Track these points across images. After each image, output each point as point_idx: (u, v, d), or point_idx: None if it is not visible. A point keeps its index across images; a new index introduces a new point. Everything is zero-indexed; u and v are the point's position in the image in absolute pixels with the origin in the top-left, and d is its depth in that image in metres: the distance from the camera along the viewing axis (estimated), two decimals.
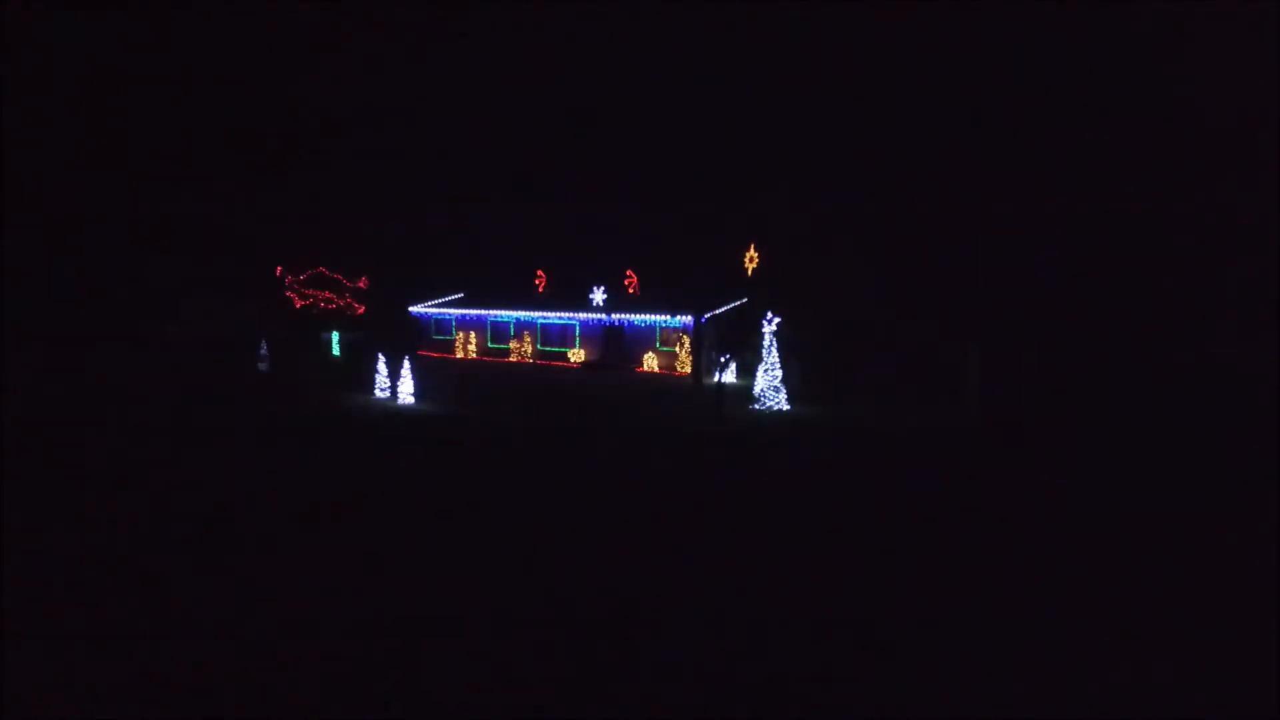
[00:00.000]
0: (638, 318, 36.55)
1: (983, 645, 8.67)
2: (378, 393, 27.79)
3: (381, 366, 28.17)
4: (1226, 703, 7.58)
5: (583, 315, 37.94)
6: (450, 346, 41.97)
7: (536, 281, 42.01)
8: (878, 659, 8.34)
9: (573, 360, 38.15)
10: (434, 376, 32.15)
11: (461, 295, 44.56)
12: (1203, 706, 7.49)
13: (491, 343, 41.22)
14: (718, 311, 35.39)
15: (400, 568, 10.82)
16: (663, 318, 35.83)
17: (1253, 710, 7.51)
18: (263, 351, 36.75)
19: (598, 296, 37.71)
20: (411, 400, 26.55)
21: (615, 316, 36.85)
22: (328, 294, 45.61)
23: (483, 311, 41.50)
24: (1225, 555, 11.89)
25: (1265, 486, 15.79)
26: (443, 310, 42.92)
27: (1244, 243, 36.35)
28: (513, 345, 39.91)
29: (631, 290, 39.21)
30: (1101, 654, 8.50)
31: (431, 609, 9.45)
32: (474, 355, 41.16)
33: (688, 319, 34.57)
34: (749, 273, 33.64)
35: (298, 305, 45.90)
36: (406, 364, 27.24)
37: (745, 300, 36.23)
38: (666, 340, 36.25)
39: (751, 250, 34.52)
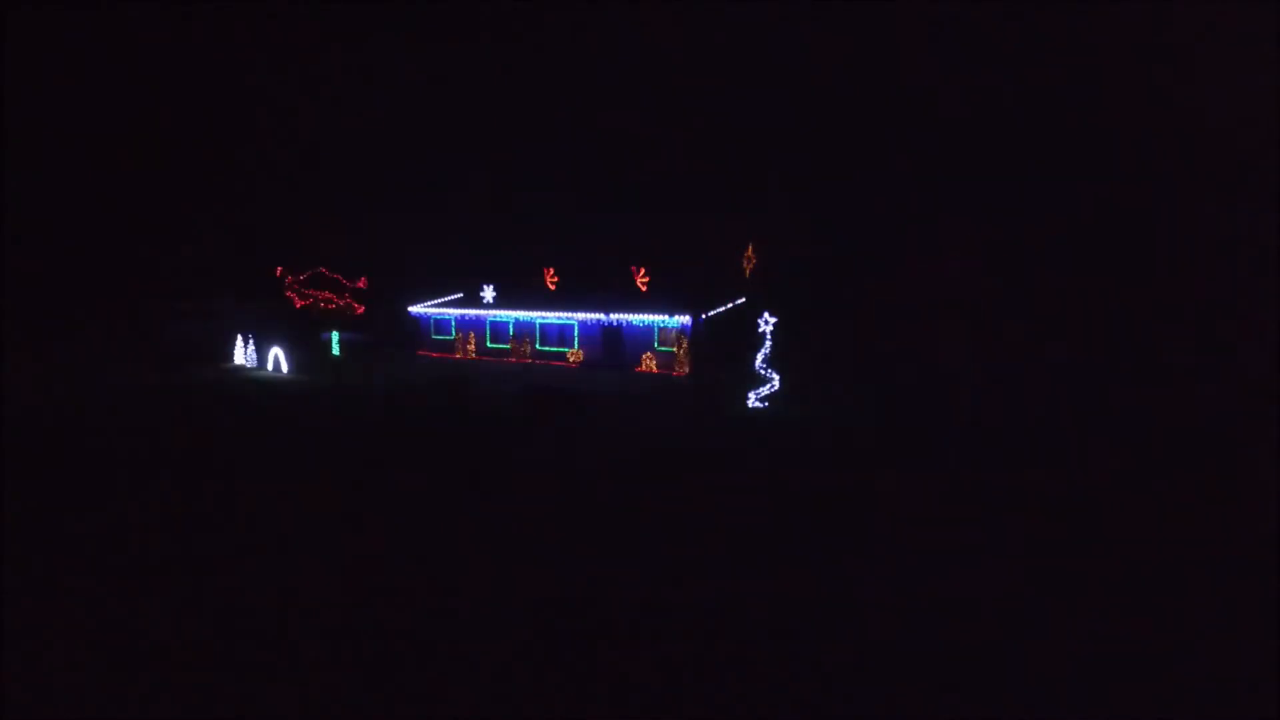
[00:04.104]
0: (636, 318, 36.62)
1: (977, 647, 8.73)
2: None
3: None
4: (1226, 703, 7.64)
5: (581, 315, 38.02)
6: (450, 347, 42.08)
7: (547, 274, 41.86)
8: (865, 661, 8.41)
9: (571, 360, 38.23)
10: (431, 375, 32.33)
11: (461, 295, 44.65)
12: (1202, 707, 7.56)
13: (490, 343, 41.32)
14: (715, 312, 35.47)
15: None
16: (661, 318, 35.90)
17: (1253, 711, 7.56)
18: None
19: (596, 297, 37.81)
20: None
21: (614, 317, 36.92)
22: (327, 294, 45.72)
23: (481, 312, 41.59)
24: (1224, 554, 11.96)
25: (1265, 485, 15.87)
26: (442, 310, 43.03)
27: (1243, 244, 36.40)
28: (512, 345, 40.01)
29: (630, 290, 39.20)
30: (1098, 654, 8.57)
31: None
32: (473, 355, 41.26)
33: (686, 319, 34.64)
34: (747, 273, 33.71)
35: (298, 305, 46.01)
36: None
37: (743, 300, 36.31)
38: (665, 340, 36.33)
39: (749, 251, 34.62)
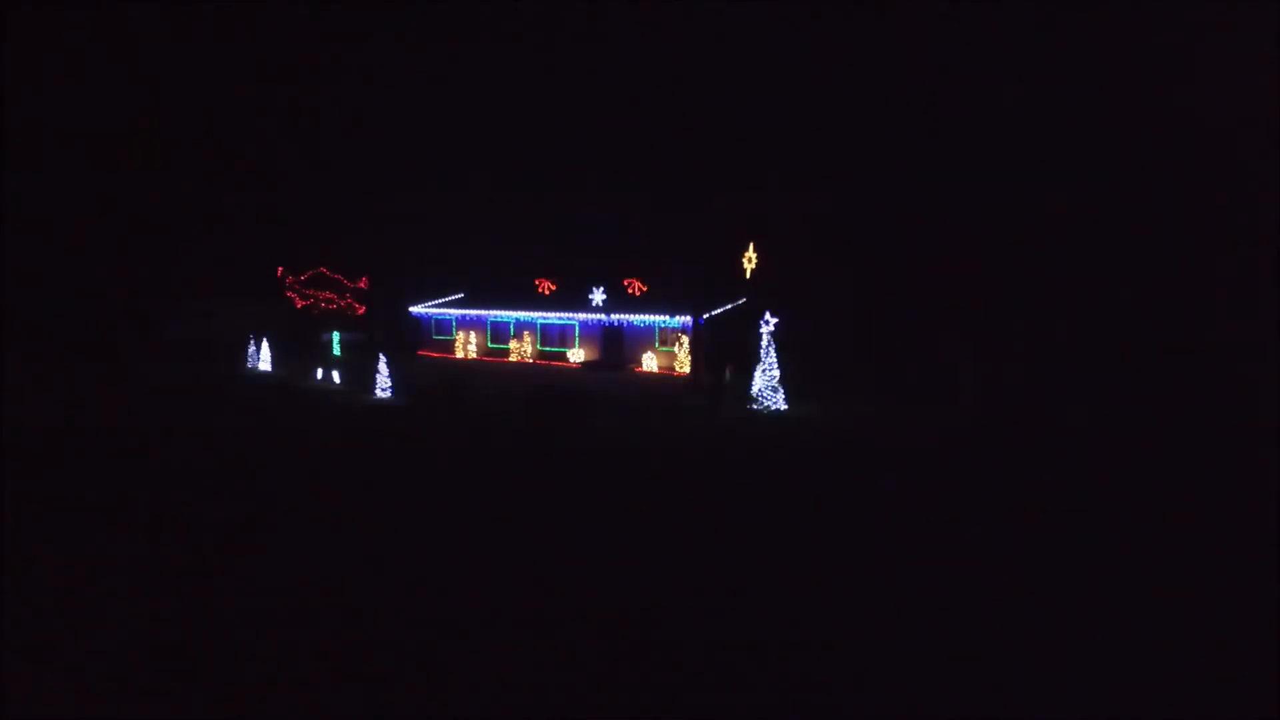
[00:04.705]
0: (637, 318, 36.65)
1: (977, 647, 8.77)
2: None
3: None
4: (1226, 703, 7.66)
5: (582, 315, 38.06)
6: (450, 347, 42.11)
7: (538, 284, 41.95)
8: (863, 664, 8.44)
9: (572, 360, 38.26)
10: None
11: (461, 295, 44.68)
12: (1202, 707, 7.58)
13: (491, 343, 41.36)
14: (716, 312, 35.49)
15: (395, 563, 10.95)
16: (662, 318, 35.94)
17: (1253, 711, 7.58)
18: (253, 350, 38.22)
19: (597, 297, 37.84)
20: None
21: (614, 317, 36.96)
22: (328, 294, 45.79)
23: (483, 312, 41.64)
24: (1224, 554, 11.98)
25: (1265, 485, 15.89)
26: (443, 310, 43.07)
27: (1243, 244, 36.39)
28: (513, 345, 40.04)
29: (631, 291, 39.25)
30: (1098, 654, 8.60)
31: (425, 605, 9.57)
32: (474, 355, 41.30)
33: (687, 319, 34.67)
34: (747, 273, 33.68)
35: (299, 305, 46.08)
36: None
37: (744, 300, 36.33)
38: (666, 340, 36.37)
39: (750, 251, 34.63)
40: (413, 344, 43.50)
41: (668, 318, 35.67)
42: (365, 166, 58.85)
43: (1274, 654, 8.51)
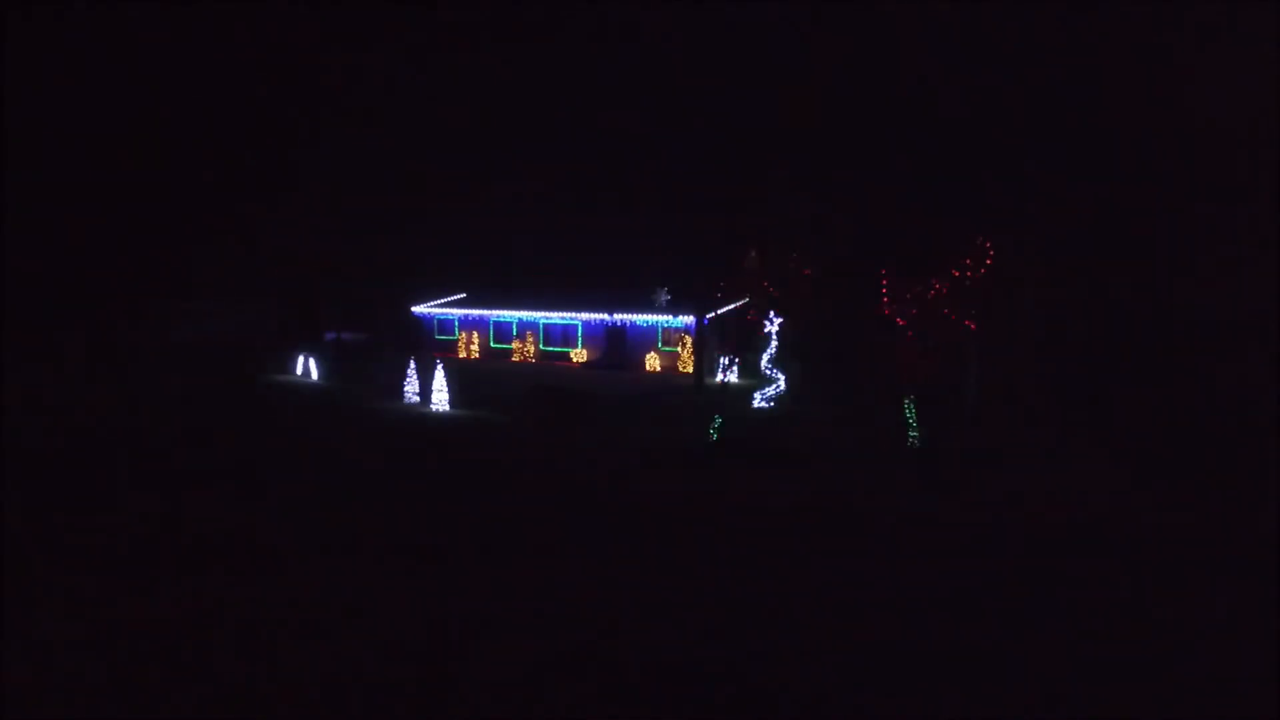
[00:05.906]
0: (640, 318, 36.77)
1: (977, 647, 8.86)
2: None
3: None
4: (1226, 703, 7.75)
5: (585, 315, 38.18)
6: (453, 347, 42.22)
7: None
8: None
9: (575, 360, 38.38)
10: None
11: (464, 295, 44.77)
12: (1202, 707, 7.67)
13: (494, 343, 41.47)
14: (720, 312, 35.59)
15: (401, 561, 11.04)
16: (665, 318, 36.05)
17: (1253, 711, 7.67)
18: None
19: (600, 297, 37.99)
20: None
21: (617, 317, 37.06)
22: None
23: (485, 312, 41.76)
24: (1224, 554, 12.08)
25: (1265, 485, 16.00)
26: (445, 310, 43.18)
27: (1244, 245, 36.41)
28: (515, 345, 40.17)
29: (638, 288, 39.20)
30: (1098, 654, 8.70)
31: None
32: (476, 355, 41.41)
33: (689, 319, 34.77)
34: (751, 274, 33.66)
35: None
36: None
37: (747, 300, 36.43)
38: (669, 340, 36.48)
39: (753, 251, 34.63)
40: (414, 344, 43.60)
41: (671, 318, 35.79)
42: (365, 167, 58.86)
43: (1274, 654, 8.61)
